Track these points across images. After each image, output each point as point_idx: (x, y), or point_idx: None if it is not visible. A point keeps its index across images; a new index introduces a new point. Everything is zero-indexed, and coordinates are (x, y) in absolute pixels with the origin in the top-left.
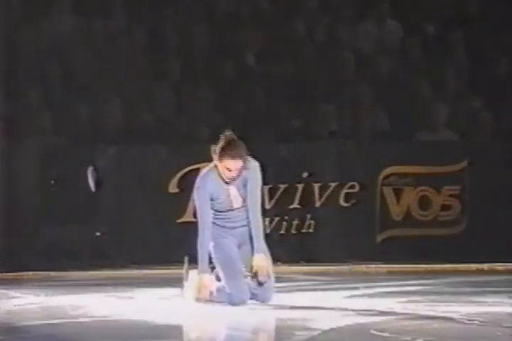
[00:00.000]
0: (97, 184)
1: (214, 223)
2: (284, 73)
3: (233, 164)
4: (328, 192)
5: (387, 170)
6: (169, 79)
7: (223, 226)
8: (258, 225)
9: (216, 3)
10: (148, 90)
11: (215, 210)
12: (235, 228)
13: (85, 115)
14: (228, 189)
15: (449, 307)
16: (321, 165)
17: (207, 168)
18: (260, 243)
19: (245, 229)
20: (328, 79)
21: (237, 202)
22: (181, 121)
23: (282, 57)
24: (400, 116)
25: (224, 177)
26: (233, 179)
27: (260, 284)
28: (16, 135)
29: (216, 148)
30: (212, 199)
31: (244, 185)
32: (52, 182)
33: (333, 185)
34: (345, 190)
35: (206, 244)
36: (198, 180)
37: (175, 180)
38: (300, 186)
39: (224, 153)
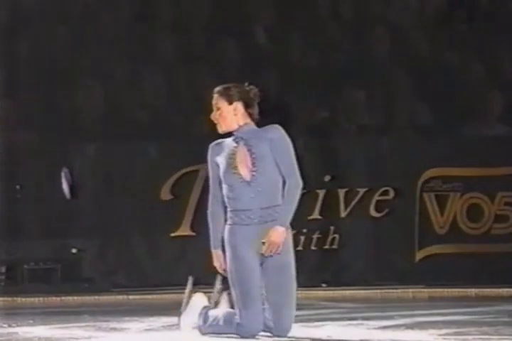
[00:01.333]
0: (72, 189)
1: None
2: (302, 54)
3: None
4: (356, 199)
5: (429, 173)
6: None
7: (236, 223)
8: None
9: None
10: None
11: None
12: (248, 225)
13: (59, 106)
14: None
15: None
16: (347, 167)
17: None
18: (286, 213)
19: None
20: (357, 62)
21: (244, 170)
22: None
23: (299, 35)
24: (444, 106)
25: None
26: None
27: (262, 255)
28: None
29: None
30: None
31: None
32: (18, 187)
33: (361, 191)
34: (376, 197)
35: (217, 217)
36: None
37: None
38: (321, 192)
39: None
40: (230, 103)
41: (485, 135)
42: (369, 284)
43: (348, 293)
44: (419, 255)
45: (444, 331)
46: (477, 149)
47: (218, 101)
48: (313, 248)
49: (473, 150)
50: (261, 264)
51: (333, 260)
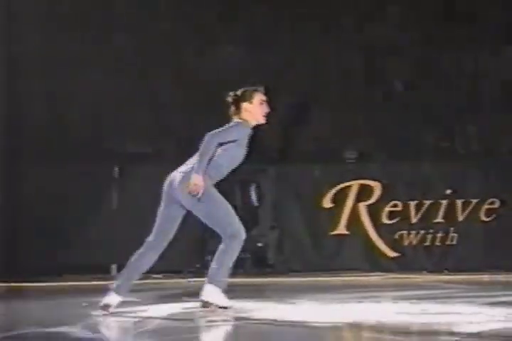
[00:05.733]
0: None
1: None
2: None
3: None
4: (470, 207)
5: None
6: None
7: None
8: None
9: None
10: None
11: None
12: None
13: None
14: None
15: None
16: (463, 183)
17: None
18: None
19: None
20: (471, 106)
21: None
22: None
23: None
24: None
25: (259, 117)
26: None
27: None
28: None
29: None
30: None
31: None
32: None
33: (474, 201)
34: (486, 206)
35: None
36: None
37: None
38: (444, 202)
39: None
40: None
41: None
42: (479, 271)
43: (463, 277)
44: None
45: None
46: None
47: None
48: (437, 244)
49: None
50: None
51: (452, 253)
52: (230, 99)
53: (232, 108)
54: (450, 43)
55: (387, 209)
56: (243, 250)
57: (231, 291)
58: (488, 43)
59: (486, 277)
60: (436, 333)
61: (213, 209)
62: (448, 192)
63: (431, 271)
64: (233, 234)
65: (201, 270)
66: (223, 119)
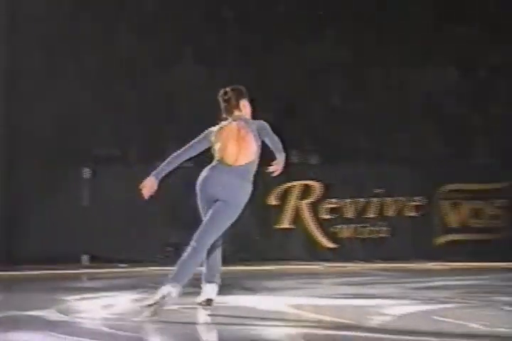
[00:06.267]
0: None
1: None
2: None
3: None
4: (399, 204)
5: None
6: None
7: None
8: None
9: None
10: None
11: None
12: None
13: None
14: None
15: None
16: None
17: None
18: None
19: None
20: (397, 115)
21: None
22: None
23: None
24: None
25: (249, 114)
26: None
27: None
28: None
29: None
30: None
31: None
32: None
33: (402, 198)
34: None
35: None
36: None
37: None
38: (375, 199)
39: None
40: None
41: None
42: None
43: (393, 265)
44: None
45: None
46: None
47: None
48: (370, 236)
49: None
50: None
51: (384, 244)
52: (229, 95)
53: (231, 103)
54: (380, 61)
55: (326, 206)
56: None
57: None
58: (412, 61)
59: (413, 265)
60: (368, 313)
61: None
62: (378, 190)
63: (365, 260)
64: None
65: (163, 260)
66: (182, 127)
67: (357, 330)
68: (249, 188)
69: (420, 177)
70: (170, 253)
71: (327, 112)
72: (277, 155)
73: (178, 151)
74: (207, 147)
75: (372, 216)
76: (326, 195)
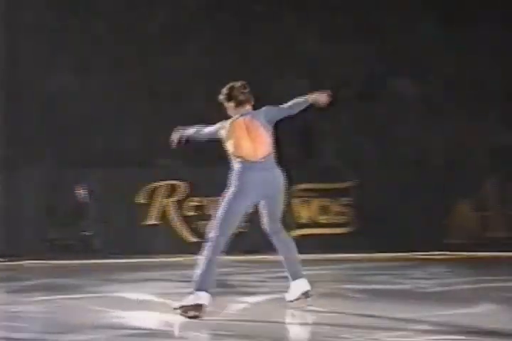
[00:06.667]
0: None
1: None
2: None
3: None
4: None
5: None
6: None
7: None
8: None
9: None
10: None
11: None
12: None
13: None
14: None
15: None
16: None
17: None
18: None
19: None
20: None
21: None
22: None
23: None
24: None
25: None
26: None
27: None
28: None
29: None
30: None
31: None
32: None
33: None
34: None
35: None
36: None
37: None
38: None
39: None
40: None
41: None
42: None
43: (252, 257)
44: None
45: None
46: None
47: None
48: None
49: None
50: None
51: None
52: (248, 88)
53: (247, 97)
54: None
55: (190, 204)
56: (72, 237)
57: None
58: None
59: (270, 257)
60: (227, 301)
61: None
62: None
63: (226, 252)
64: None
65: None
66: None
67: (217, 315)
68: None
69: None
70: (47, 247)
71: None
72: (307, 100)
73: (198, 128)
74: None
75: None
76: (189, 194)
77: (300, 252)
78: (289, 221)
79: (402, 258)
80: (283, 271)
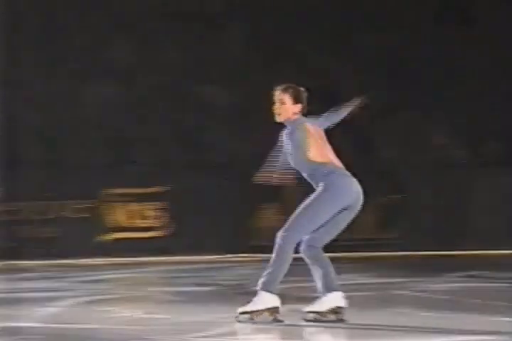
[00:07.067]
0: None
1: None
2: None
3: None
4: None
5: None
6: None
7: None
8: None
9: None
10: None
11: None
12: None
13: None
14: None
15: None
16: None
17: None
18: None
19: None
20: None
21: None
22: None
23: None
24: None
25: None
26: None
27: None
28: None
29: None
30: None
31: None
32: None
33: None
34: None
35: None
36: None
37: None
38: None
39: None
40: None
41: None
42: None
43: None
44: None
45: None
46: None
47: (284, 97)
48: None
49: None
50: None
51: (55, 243)
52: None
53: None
54: None
55: (7, 208)
56: None
57: None
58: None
59: (83, 261)
60: (38, 306)
61: None
62: (51, 194)
63: (41, 257)
64: None
65: None
66: None
67: (30, 321)
68: None
69: (89, 182)
70: None
71: None
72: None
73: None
74: None
75: (49, 217)
76: (8, 199)
77: (114, 256)
78: (103, 225)
79: (214, 261)
80: (92, 275)
